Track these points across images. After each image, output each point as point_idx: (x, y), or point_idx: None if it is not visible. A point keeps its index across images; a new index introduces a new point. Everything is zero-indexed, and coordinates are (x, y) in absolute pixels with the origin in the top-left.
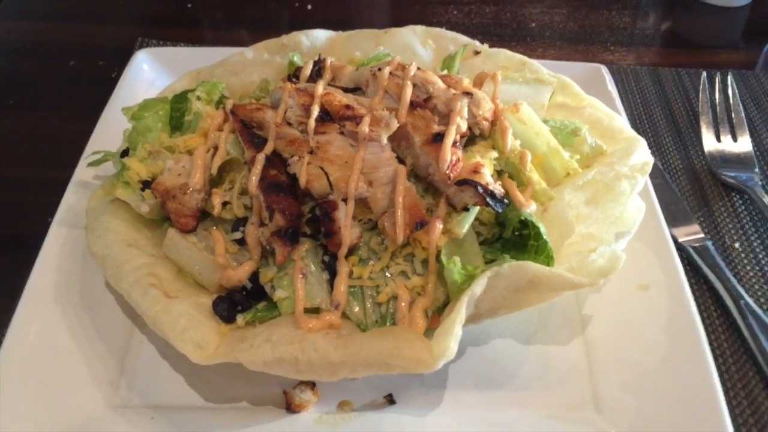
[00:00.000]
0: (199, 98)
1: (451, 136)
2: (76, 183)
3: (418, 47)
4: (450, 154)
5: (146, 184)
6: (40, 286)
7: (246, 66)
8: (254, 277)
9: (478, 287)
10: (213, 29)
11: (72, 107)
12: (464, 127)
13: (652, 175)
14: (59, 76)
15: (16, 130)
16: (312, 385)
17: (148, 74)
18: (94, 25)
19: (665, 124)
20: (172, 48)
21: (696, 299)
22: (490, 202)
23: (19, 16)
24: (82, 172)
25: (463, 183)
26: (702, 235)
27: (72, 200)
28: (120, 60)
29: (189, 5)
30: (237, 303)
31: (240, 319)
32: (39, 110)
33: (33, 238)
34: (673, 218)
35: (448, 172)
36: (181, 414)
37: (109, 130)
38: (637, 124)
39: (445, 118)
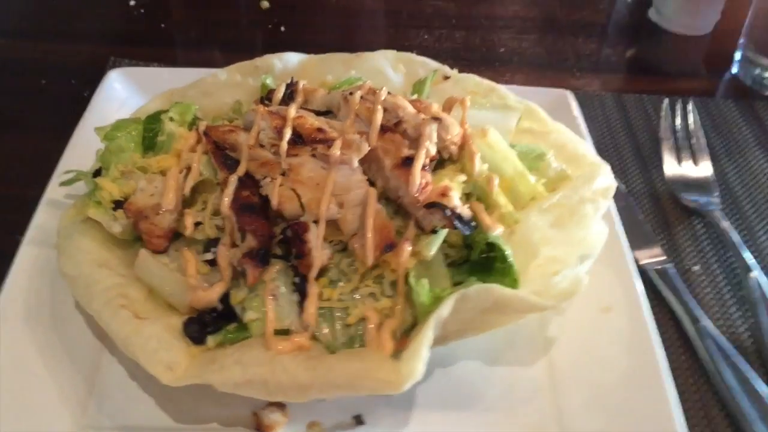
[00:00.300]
0: (172, 119)
1: (421, 160)
2: (47, 202)
3: (389, 71)
4: (419, 177)
5: (118, 204)
6: (8, 306)
7: (219, 87)
8: (225, 298)
9: (446, 309)
10: (186, 49)
11: (42, 126)
12: (433, 151)
13: (617, 199)
14: (30, 94)
15: None
16: (282, 406)
17: (121, 94)
18: (66, 44)
19: (629, 149)
20: (145, 68)
21: (656, 321)
22: (458, 225)
23: None
24: (53, 190)
25: (431, 206)
26: (664, 258)
27: (43, 219)
28: (92, 79)
29: (162, 25)
30: (207, 324)
31: (210, 340)
32: (8, 128)
33: (1, 256)
34: (636, 241)
35: (417, 195)
36: None
37: (81, 149)
38: (601, 149)
39: (415, 142)
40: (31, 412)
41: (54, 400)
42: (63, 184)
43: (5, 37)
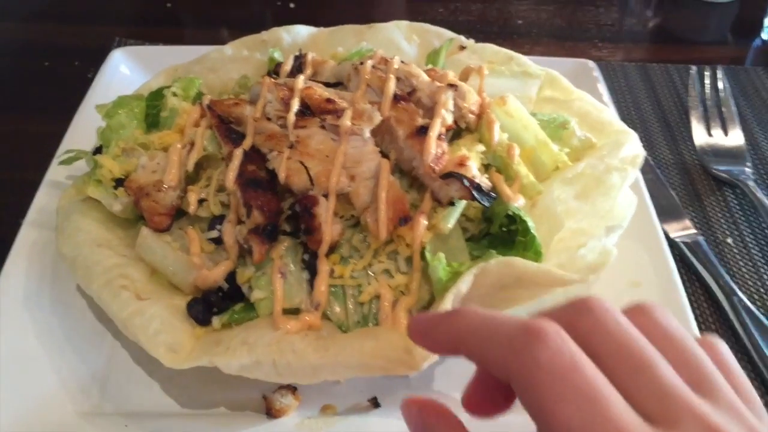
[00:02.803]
0: (175, 94)
1: (436, 129)
2: (48, 183)
3: (402, 43)
4: (434, 146)
5: (119, 182)
6: (7, 290)
7: (225, 63)
8: (231, 277)
9: (464, 285)
10: (194, 28)
11: (46, 108)
12: (449, 120)
13: (643, 171)
14: (33, 77)
15: None
16: (293, 389)
17: (125, 73)
18: (70, 25)
19: (655, 120)
20: (150, 47)
21: (688, 295)
22: (477, 196)
23: None
24: (54, 172)
25: (448, 176)
26: (694, 231)
27: (44, 201)
28: (96, 60)
29: (168, 4)
30: (213, 304)
31: (216, 321)
32: (11, 111)
33: (3, 241)
34: (665, 214)
35: (432, 165)
36: (156, 421)
37: (83, 130)
38: (626, 121)
39: (430, 111)
40: (31, 399)
41: (55, 387)
42: (62, 163)
43: (7, 21)
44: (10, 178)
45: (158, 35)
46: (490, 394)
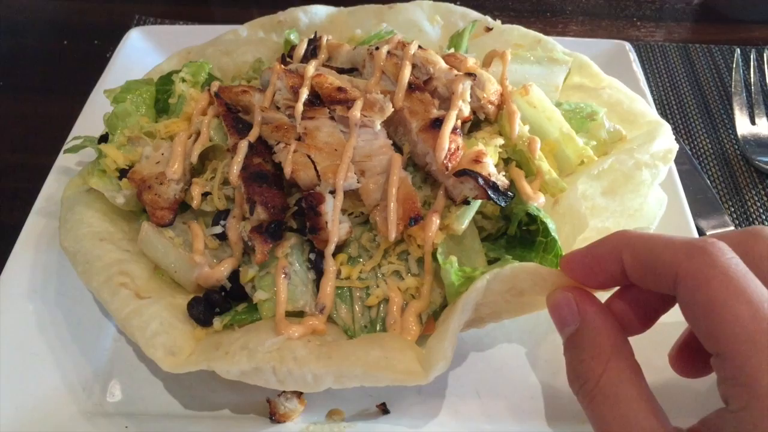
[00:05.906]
0: (183, 80)
1: (451, 122)
2: (58, 170)
3: (424, 24)
4: (448, 141)
5: (123, 173)
6: (12, 281)
7: (239, 45)
8: (235, 275)
9: (476, 292)
10: (221, 6)
11: (63, 89)
12: (467, 112)
13: (679, 161)
14: (52, 56)
15: (4, 113)
16: (299, 393)
17: (142, 54)
18: (91, 2)
19: (695, 105)
20: (168, 26)
21: None
22: (492, 196)
23: None
24: (64, 158)
25: (462, 174)
26: (732, 228)
27: (53, 188)
28: (116, 39)
29: None
30: (214, 304)
31: (217, 322)
32: (29, 92)
33: (14, 227)
34: (701, 208)
35: (446, 161)
36: (158, 423)
37: (97, 113)
38: (664, 106)
39: (446, 101)
40: (32, 397)
41: (57, 384)
42: (67, 151)
43: None
44: (24, 162)
45: (182, 13)
46: (638, 312)
